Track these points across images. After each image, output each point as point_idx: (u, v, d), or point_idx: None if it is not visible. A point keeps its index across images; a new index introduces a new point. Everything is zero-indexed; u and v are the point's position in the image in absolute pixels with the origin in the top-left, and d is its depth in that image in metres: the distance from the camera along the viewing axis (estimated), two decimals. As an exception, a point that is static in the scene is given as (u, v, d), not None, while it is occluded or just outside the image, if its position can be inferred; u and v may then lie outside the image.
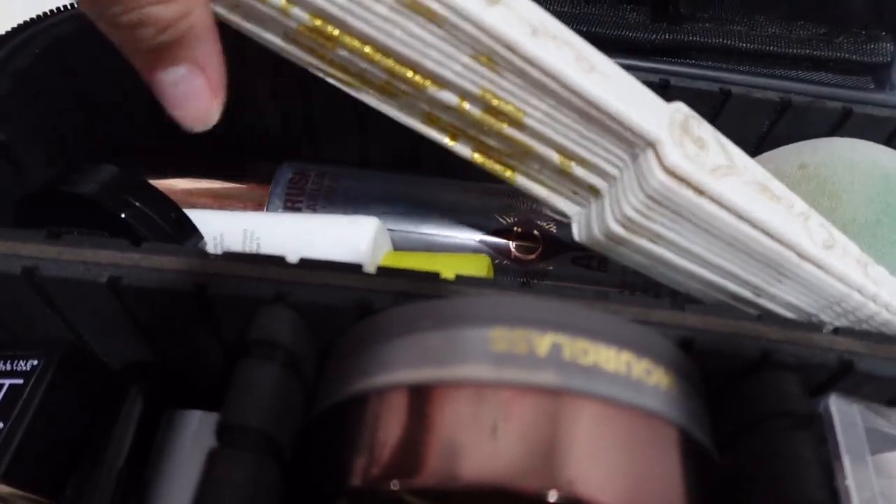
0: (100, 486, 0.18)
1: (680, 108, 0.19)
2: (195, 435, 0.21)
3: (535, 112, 0.18)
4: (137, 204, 0.20)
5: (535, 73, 0.18)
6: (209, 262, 0.18)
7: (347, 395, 0.16)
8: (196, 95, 0.15)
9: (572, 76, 0.18)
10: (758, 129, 0.24)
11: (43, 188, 0.21)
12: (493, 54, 0.17)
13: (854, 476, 0.18)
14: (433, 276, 0.18)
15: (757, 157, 0.24)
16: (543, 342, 0.15)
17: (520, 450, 0.14)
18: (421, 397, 0.15)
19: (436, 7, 0.17)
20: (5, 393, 0.18)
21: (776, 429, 0.16)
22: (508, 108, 0.18)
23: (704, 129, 0.20)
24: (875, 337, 0.18)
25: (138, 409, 0.20)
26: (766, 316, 0.18)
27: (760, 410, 0.17)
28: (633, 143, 0.18)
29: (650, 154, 0.18)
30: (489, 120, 0.19)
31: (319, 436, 0.17)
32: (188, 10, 0.14)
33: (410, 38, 0.17)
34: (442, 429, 0.14)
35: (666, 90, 0.23)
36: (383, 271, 0.18)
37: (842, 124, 0.23)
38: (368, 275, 0.18)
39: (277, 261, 0.18)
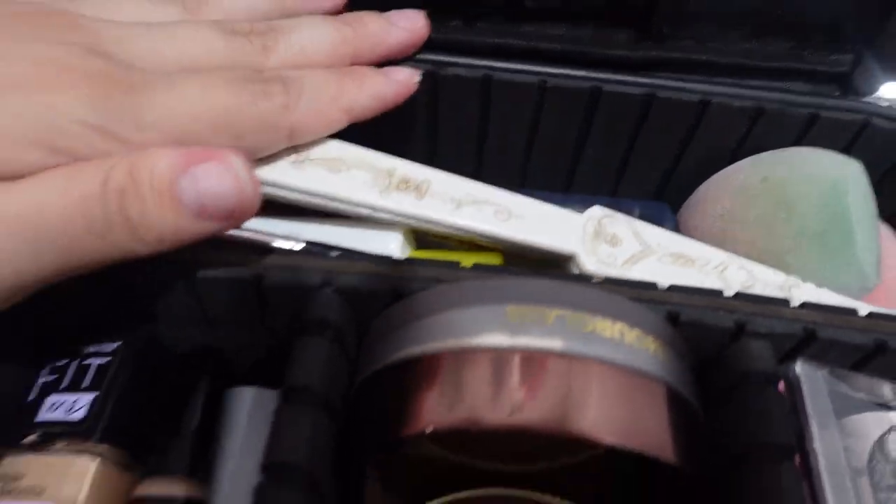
0: (177, 451, 0.22)
1: (592, 216, 0.23)
2: (251, 406, 0.24)
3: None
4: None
5: (466, 236, 0.22)
6: (266, 256, 0.21)
7: (384, 364, 0.19)
8: None
9: (493, 230, 0.22)
10: (735, 135, 0.27)
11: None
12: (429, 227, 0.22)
13: (821, 439, 0.20)
14: (454, 265, 0.21)
15: (728, 168, 0.27)
16: (550, 315, 0.18)
17: (532, 399, 0.17)
18: (447, 363, 0.18)
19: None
20: (95, 370, 0.22)
21: (750, 386, 0.19)
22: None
23: (618, 225, 0.23)
24: (836, 310, 0.21)
25: (205, 387, 0.23)
26: (741, 294, 0.21)
27: (737, 372, 0.20)
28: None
29: (573, 263, 0.23)
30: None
31: (361, 401, 0.20)
32: None
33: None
34: (466, 386, 0.17)
35: (651, 102, 0.26)
36: (412, 261, 0.21)
37: (810, 128, 0.26)
38: (400, 264, 0.21)
39: (323, 254, 0.21)
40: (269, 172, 0.22)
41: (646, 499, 0.20)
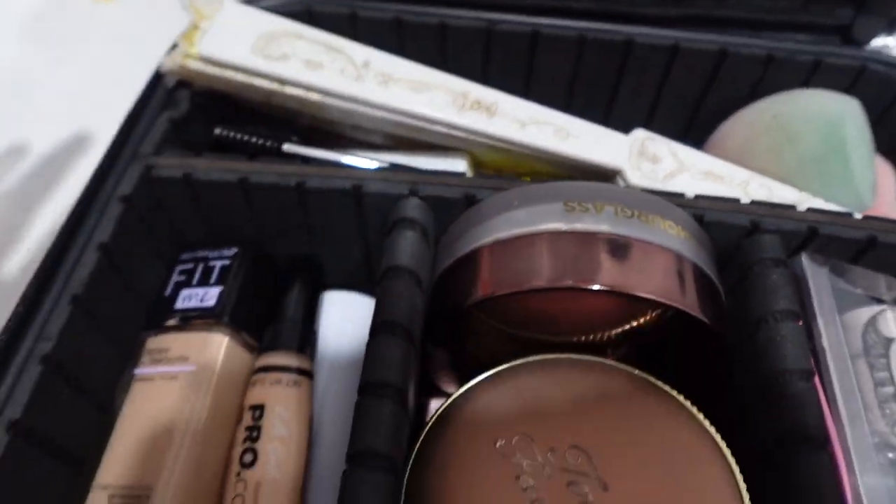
0: (286, 333, 0.26)
1: (637, 137, 0.27)
2: (342, 305, 0.29)
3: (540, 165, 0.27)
4: (294, 138, 0.28)
5: (529, 152, 0.26)
6: (363, 171, 0.25)
7: (463, 254, 0.24)
8: None
9: (553, 147, 0.26)
10: (749, 80, 0.31)
11: (223, 131, 0.28)
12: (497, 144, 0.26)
13: (826, 336, 0.24)
14: (515, 178, 0.25)
15: (743, 109, 0.31)
16: (600, 207, 0.23)
17: (586, 265, 0.21)
18: (513, 246, 0.22)
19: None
20: (219, 270, 0.26)
21: (762, 268, 0.23)
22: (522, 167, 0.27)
23: (658, 145, 0.27)
24: (835, 212, 0.25)
25: (305, 286, 0.27)
26: (755, 201, 0.25)
27: (752, 259, 0.24)
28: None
29: (619, 178, 0.27)
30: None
31: (442, 286, 0.24)
32: None
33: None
34: (533, 259, 0.22)
35: (676, 52, 0.30)
36: (481, 175, 0.26)
37: (814, 73, 0.30)
38: (471, 177, 0.25)
39: (411, 169, 0.25)
40: (358, 90, 0.26)
41: (680, 360, 0.24)
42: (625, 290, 0.21)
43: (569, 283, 0.21)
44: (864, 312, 0.26)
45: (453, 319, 0.23)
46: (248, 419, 0.24)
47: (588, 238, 0.22)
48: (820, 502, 0.19)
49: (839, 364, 0.24)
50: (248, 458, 0.23)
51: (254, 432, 0.24)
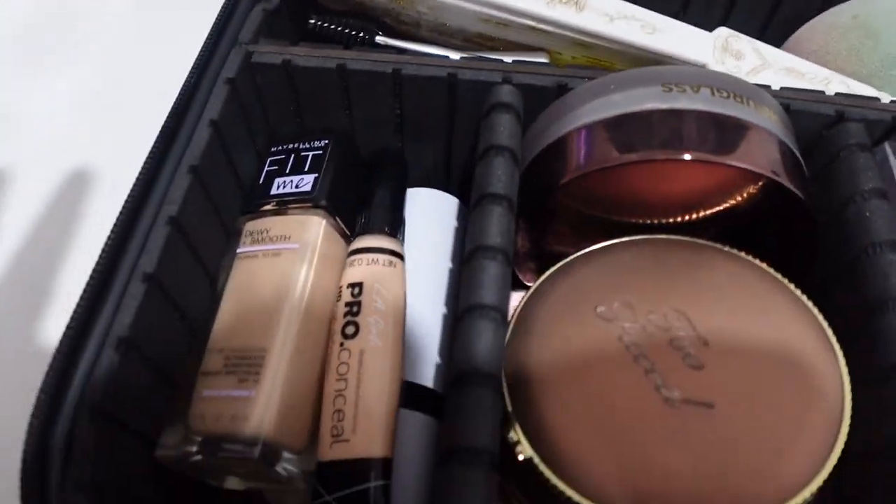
0: (379, 221, 0.27)
1: (720, 34, 0.28)
2: (426, 201, 0.30)
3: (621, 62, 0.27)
4: (381, 33, 0.29)
5: (618, 46, 0.26)
6: (456, 60, 0.26)
7: (562, 134, 0.24)
8: None
9: (640, 41, 0.27)
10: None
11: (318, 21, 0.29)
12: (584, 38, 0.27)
13: None
14: (605, 69, 0.26)
15: (823, 14, 0.32)
16: (696, 88, 0.23)
17: (682, 139, 0.22)
18: (609, 125, 0.23)
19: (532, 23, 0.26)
20: (311, 159, 0.27)
21: (850, 155, 0.24)
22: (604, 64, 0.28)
23: (741, 42, 0.28)
24: (918, 105, 0.26)
25: (396, 175, 0.28)
26: (839, 93, 0.26)
27: (838, 145, 0.25)
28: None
29: None
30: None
31: (535, 171, 0.25)
32: None
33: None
34: (630, 136, 0.23)
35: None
36: (572, 66, 0.26)
37: (893, -23, 0.30)
38: (563, 67, 0.26)
39: (502, 59, 0.26)
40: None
41: (766, 243, 0.25)
42: (719, 161, 0.22)
43: (663, 156, 0.22)
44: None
45: (544, 205, 0.24)
46: (347, 296, 0.25)
47: (685, 115, 0.23)
48: (912, 356, 0.20)
49: None
50: (349, 330, 0.25)
51: (354, 307, 0.25)
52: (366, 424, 0.23)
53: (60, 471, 0.17)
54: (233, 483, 0.24)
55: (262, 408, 0.22)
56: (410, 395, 0.25)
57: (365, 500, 0.22)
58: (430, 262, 0.28)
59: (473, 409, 0.18)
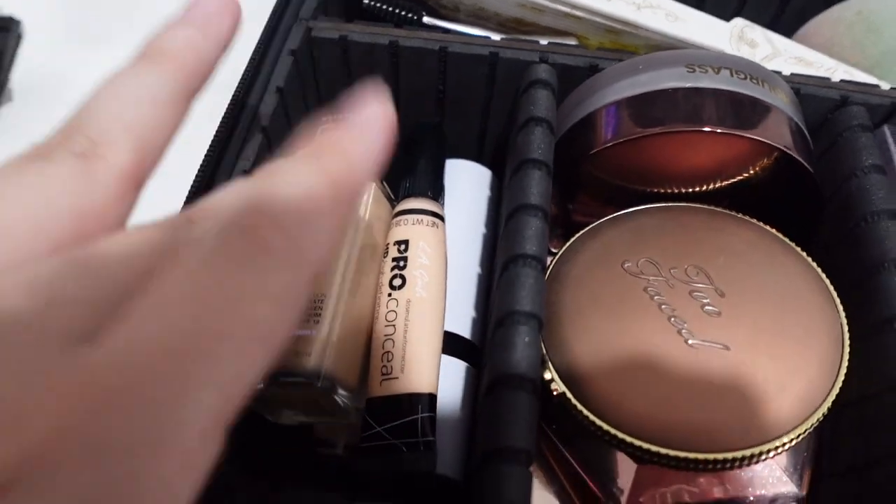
0: (422, 185, 0.30)
1: (737, 24, 0.30)
2: (463, 171, 0.32)
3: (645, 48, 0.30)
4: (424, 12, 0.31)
5: (643, 33, 0.29)
6: (497, 41, 0.29)
7: (589, 111, 0.27)
8: None
9: (664, 28, 0.29)
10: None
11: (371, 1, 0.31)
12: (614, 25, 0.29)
13: None
14: (633, 53, 0.29)
15: (830, 9, 0.34)
16: (717, 69, 0.26)
17: (703, 113, 0.24)
18: (635, 101, 0.26)
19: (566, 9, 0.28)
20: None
21: (852, 135, 0.27)
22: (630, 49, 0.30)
23: (756, 32, 0.30)
24: (915, 93, 0.28)
25: (437, 144, 0.31)
26: (843, 80, 0.28)
27: (841, 125, 0.27)
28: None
29: None
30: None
31: (566, 144, 0.28)
32: None
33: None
34: (655, 110, 0.25)
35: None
36: (602, 49, 0.29)
37: (896, -23, 0.33)
38: (595, 50, 0.29)
39: (538, 41, 0.29)
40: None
41: (776, 212, 0.27)
42: (737, 133, 0.24)
43: (685, 128, 0.25)
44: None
45: (574, 175, 0.27)
46: (394, 251, 0.28)
47: (707, 92, 0.25)
48: (903, 309, 0.22)
49: None
50: (397, 282, 0.27)
51: (401, 262, 0.28)
52: (412, 364, 0.26)
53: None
54: (288, 417, 0.27)
55: (322, 345, 0.25)
56: (448, 343, 0.27)
57: (414, 429, 0.24)
58: (464, 225, 0.31)
59: (518, 342, 0.21)
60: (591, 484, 0.24)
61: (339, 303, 0.25)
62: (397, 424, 0.25)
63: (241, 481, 0.25)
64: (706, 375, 0.22)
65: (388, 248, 0.28)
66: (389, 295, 0.27)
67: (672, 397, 0.22)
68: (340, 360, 0.25)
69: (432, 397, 0.25)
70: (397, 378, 0.25)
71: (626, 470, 0.24)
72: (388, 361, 0.26)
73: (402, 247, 0.28)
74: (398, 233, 0.28)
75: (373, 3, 0.30)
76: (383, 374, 0.26)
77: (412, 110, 0.31)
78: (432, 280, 0.27)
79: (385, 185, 0.29)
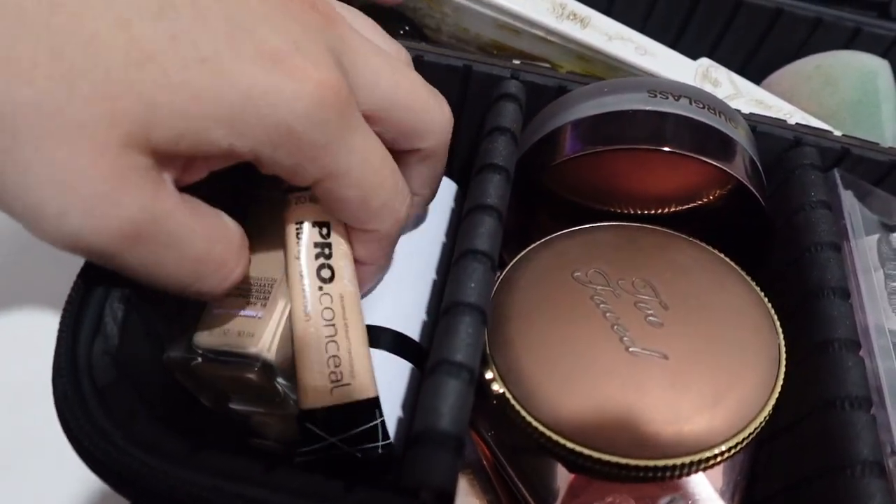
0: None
1: (703, 63, 0.32)
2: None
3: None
4: (407, 28, 0.32)
5: (612, 62, 0.31)
6: (472, 55, 0.30)
7: (554, 127, 0.28)
8: None
9: (633, 60, 0.31)
10: (798, 39, 0.36)
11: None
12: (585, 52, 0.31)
13: (857, 249, 0.28)
14: (602, 79, 0.30)
15: (791, 64, 0.36)
16: (677, 97, 0.27)
17: (661, 134, 0.25)
18: (597, 120, 0.27)
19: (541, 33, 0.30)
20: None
21: (803, 172, 0.28)
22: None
23: (720, 72, 0.32)
24: (863, 140, 0.30)
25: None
26: (799, 123, 0.30)
27: (794, 165, 0.28)
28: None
29: None
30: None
31: (533, 153, 0.28)
32: None
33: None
34: (614, 128, 0.26)
35: (739, 7, 0.35)
36: (572, 73, 0.30)
37: (854, 38, 0.35)
38: (565, 73, 0.30)
39: (509, 61, 0.30)
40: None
41: (728, 239, 0.28)
42: (694, 156, 0.25)
43: (644, 146, 0.25)
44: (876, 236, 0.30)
45: (534, 188, 0.28)
46: (315, 235, 0.25)
47: (666, 116, 0.26)
48: (837, 335, 0.23)
49: (866, 276, 0.28)
50: (325, 273, 0.24)
51: (325, 250, 0.25)
52: (360, 367, 0.24)
53: (90, 341, 0.19)
54: (223, 403, 0.26)
55: (268, 330, 0.24)
56: (398, 345, 0.27)
57: (375, 435, 0.23)
58: (426, 237, 0.31)
59: (460, 329, 0.21)
60: (524, 492, 0.24)
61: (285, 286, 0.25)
62: (357, 433, 0.23)
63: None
64: (644, 383, 0.22)
65: (300, 228, 0.25)
66: (320, 289, 0.26)
67: (609, 403, 0.22)
68: (285, 347, 0.25)
69: (378, 400, 0.25)
70: (349, 384, 0.24)
71: (559, 479, 0.23)
72: (337, 367, 0.24)
73: (325, 230, 0.25)
74: (312, 211, 0.25)
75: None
76: (333, 382, 0.24)
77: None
78: (352, 271, 0.25)
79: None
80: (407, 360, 0.27)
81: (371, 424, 0.24)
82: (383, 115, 0.21)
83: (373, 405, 0.24)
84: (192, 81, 0.15)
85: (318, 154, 0.18)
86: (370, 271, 0.25)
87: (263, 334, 0.24)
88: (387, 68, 0.21)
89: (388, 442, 0.23)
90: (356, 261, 0.25)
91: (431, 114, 0.22)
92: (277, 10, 0.17)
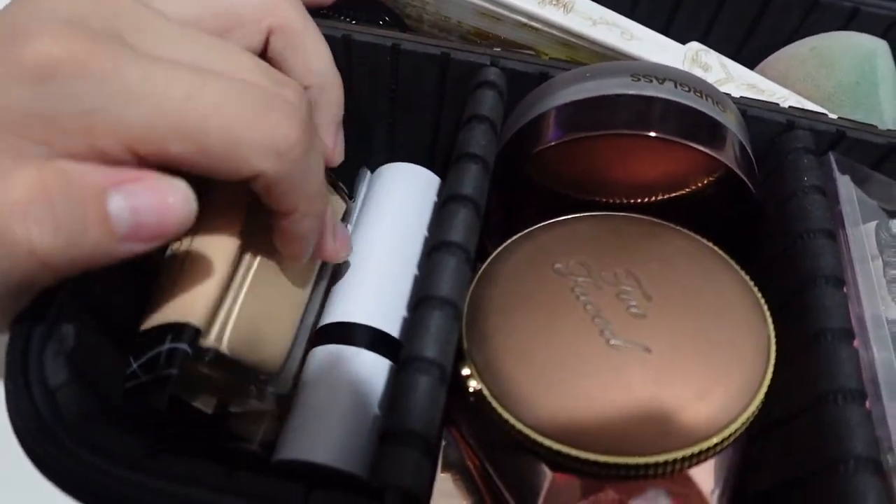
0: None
1: (692, 47, 0.31)
2: (408, 175, 0.32)
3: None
4: (387, 18, 0.31)
5: (597, 49, 0.29)
6: (450, 42, 0.29)
7: (535, 114, 0.27)
8: None
9: (619, 45, 0.29)
10: (793, 21, 0.34)
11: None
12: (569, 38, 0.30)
13: (853, 239, 0.27)
14: (586, 64, 0.29)
15: (787, 47, 0.35)
16: (661, 80, 0.26)
17: (645, 119, 0.24)
18: (579, 105, 0.26)
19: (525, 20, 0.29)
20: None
21: (797, 157, 0.27)
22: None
23: (710, 57, 0.31)
24: (861, 122, 0.28)
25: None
26: (792, 106, 0.29)
27: (787, 149, 0.27)
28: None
29: None
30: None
31: (515, 142, 0.27)
32: None
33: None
34: (597, 113, 0.25)
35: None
36: (554, 59, 0.29)
37: (851, 19, 0.34)
38: (546, 59, 0.29)
39: (492, 46, 0.29)
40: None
41: (717, 228, 0.27)
42: (679, 142, 0.24)
43: (627, 131, 0.24)
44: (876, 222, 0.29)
45: (517, 178, 0.27)
46: None
47: (650, 100, 0.25)
48: (830, 325, 0.22)
49: (863, 265, 0.26)
50: None
51: None
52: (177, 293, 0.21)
53: (42, 343, 0.19)
54: (204, 403, 0.26)
55: (222, 319, 0.22)
56: (376, 341, 0.26)
57: (156, 363, 0.20)
58: (406, 232, 0.30)
59: (430, 325, 0.20)
60: (505, 493, 0.23)
61: (245, 276, 0.23)
62: (146, 360, 0.20)
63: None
64: (625, 377, 0.21)
65: None
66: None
67: (590, 398, 0.21)
68: (248, 336, 0.24)
69: (193, 329, 0.20)
70: (157, 311, 0.21)
71: (541, 478, 0.22)
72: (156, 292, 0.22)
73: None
74: None
75: (332, 13, 0.30)
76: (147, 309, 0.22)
77: (365, 107, 0.31)
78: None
79: (332, 174, 0.29)
80: (386, 357, 0.27)
81: (155, 351, 0.20)
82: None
83: (165, 331, 0.20)
84: None
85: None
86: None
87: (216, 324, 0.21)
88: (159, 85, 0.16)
89: (166, 373, 0.19)
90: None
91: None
92: None
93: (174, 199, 0.16)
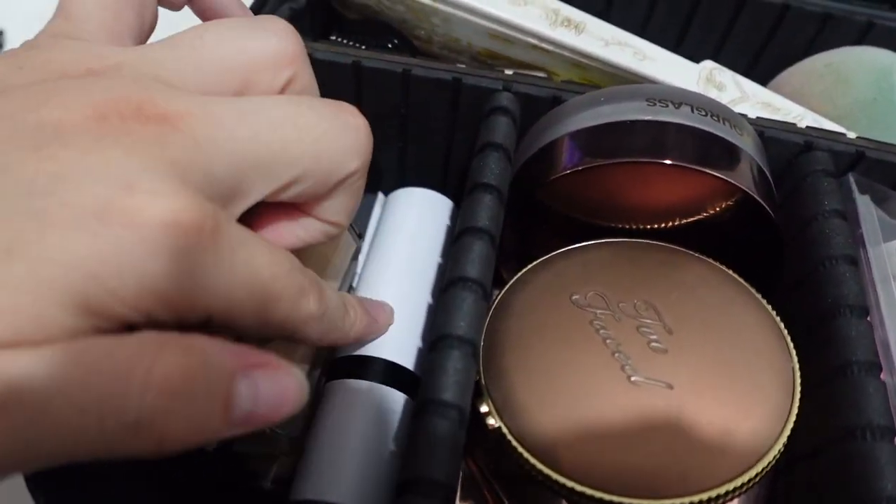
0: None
1: (706, 66, 0.30)
2: (422, 200, 0.31)
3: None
4: (396, 41, 0.31)
5: (610, 69, 0.29)
6: (461, 67, 0.28)
7: (549, 140, 0.27)
8: None
9: (632, 66, 0.29)
10: (807, 35, 0.34)
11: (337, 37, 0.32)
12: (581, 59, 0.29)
13: (875, 258, 0.27)
14: (597, 86, 0.28)
15: (801, 62, 0.34)
16: (678, 104, 0.25)
17: (662, 146, 0.24)
18: (595, 132, 0.25)
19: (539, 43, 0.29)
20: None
21: (815, 179, 0.26)
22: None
23: (724, 75, 0.30)
24: (881, 141, 0.28)
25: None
26: (810, 126, 0.28)
27: (805, 171, 0.27)
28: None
29: None
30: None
31: (525, 173, 0.27)
32: None
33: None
34: (613, 140, 0.25)
35: (743, 4, 0.33)
36: (566, 82, 0.28)
37: (866, 34, 0.33)
38: (559, 82, 0.28)
39: (503, 70, 0.28)
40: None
41: (735, 253, 0.26)
42: (696, 169, 0.23)
43: (642, 159, 0.24)
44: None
45: (531, 204, 0.26)
46: None
47: (666, 126, 0.25)
48: (856, 357, 0.21)
49: (885, 286, 0.26)
50: None
51: None
52: None
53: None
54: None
55: None
56: (391, 374, 0.26)
57: None
58: (421, 257, 0.30)
59: (447, 366, 0.20)
60: (526, 529, 0.23)
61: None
62: None
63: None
64: (646, 415, 0.21)
65: None
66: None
67: (611, 438, 0.21)
68: None
69: None
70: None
71: (563, 516, 0.22)
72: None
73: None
74: None
75: (340, 39, 0.30)
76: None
77: (375, 132, 0.31)
78: None
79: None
80: (400, 390, 0.26)
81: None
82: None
83: None
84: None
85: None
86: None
87: None
88: (262, 125, 0.16)
89: None
90: None
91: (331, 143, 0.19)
92: (87, 145, 0.13)
93: (293, 388, 0.15)
